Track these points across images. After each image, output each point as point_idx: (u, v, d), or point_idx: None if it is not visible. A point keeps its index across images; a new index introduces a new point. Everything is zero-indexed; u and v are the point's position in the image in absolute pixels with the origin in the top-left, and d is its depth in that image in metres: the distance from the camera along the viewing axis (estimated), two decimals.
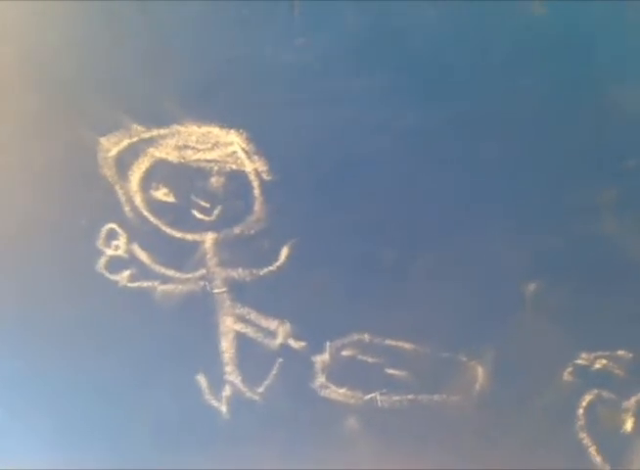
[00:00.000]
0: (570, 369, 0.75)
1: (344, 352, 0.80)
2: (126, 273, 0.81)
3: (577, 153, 0.68)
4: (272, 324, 0.81)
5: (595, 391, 0.75)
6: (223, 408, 0.84)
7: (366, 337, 0.79)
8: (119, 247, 0.81)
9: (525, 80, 0.65)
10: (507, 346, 0.76)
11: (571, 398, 0.76)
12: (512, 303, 0.75)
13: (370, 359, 0.79)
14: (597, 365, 0.75)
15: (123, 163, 0.77)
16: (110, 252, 0.81)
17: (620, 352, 0.74)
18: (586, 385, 0.75)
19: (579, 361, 0.75)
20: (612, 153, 0.67)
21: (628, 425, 0.76)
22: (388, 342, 0.79)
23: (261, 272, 0.79)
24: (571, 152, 0.68)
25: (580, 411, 0.76)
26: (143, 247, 0.81)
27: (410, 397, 0.79)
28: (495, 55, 0.65)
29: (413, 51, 0.65)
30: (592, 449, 0.76)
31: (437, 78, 0.66)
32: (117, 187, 0.78)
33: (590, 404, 0.76)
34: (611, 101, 0.66)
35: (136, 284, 0.82)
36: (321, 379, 0.81)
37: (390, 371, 0.79)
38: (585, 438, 0.76)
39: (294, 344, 0.81)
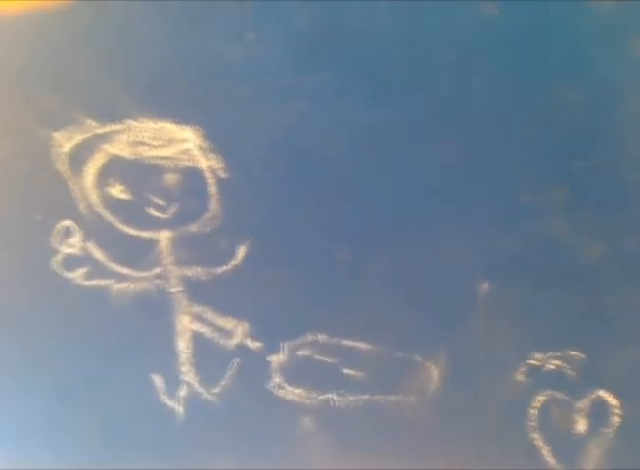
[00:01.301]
0: (522, 370, 0.76)
1: (300, 353, 0.80)
2: (81, 271, 0.80)
3: (528, 153, 0.68)
4: (229, 324, 0.80)
5: (548, 391, 0.76)
6: (179, 409, 0.84)
7: (322, 337, 0.79)
8: (74, 244, 0.80)
9: (476, 81, 0.66)
10: (461, 346, 0.77)
11: (525, 398, 0.76)
12: (466, 303, 0.75)
13: (326, 359, 0.79)
14: (550, 366, 0.75)
15: (77, 159, 0.76)
16: (65, 249, 0.80)
17: (573, 353, 0.75)
18: (539, 385, 0.76)
19: (532, 362, 0.75)
20: (561, 154, 0.68)
21: (581, 426, 0.76)
22: (345, 342, 0.79)
23: (218, 271, 0.79)
24: (522, 152, 0.69)
25: (533, 412, 0.76)
26: (98, 245, 0.80)
27: (366, 397, 0.79)
28: (447, 55, 0.65)
29: (364, 50, 0.66)
30: (545, 450, 0.77)
31: (389, 77, 0.67)
32: (72, 183, 0.77)
33: (543, 405, 0.76)
34: (561, 102, 0.67)
35: (91, 282, 0.81)
36: (277, 379, 0.81)
37: (346, 371, 0.79)
38: (538, 438, 0.77)
39: (250, 344, 0.81)
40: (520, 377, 0.76)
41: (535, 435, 0.77)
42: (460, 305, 0.75)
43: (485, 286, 0.74)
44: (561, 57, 0.66)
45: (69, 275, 0.81)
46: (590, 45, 0.65)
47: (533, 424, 0.76)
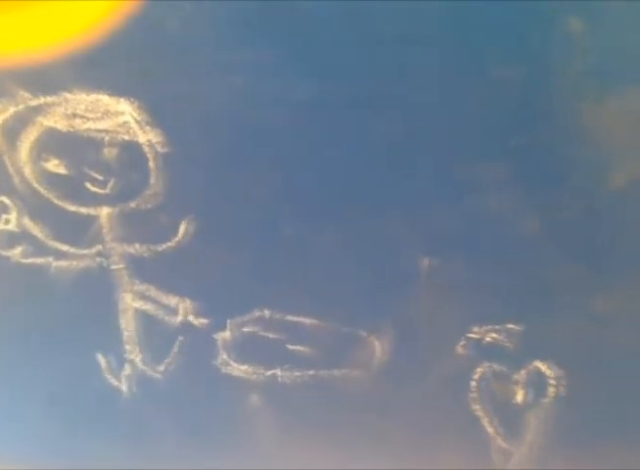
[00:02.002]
0: (462, 343, 0.77)
1: (246, 329, 0.80)
2: (19, 249, 0.78)
3: (465, 130, 0.69)
4: (172, 301, 0.80)
5: (487, 364, 0.78)
6: (123, 388, 0.83)
7: (267, 313, 0.79)
8: (10, 221, 0.77)
9: (414, 57, 0.66)
10: (404, 320, 0.78)
11: (465, 370, 0.78)
12: (408, 278, 0.76)
13: (271, 335, 0.79)
14: (488, 339, 0.77)
15: (11, 132, 0.73)
16: (0, 226, 0.78)
17: (510, 326, 0.76)
18: (478, 358, 0.78)
19: (471, 335, 0.77)
20: (498, 130, 0.69)
21: (519, 396, 0.79)
22: (289, 318, 0.79)
23: (160, 248, 0.77)
24: (460, 129, 0.69)
25: (473, 384, 0.78)
26: (35, 221, 0.78)
27: (311, 372, 0.80)
28: (386, 30, 0.65)
29: (303, 23, 0.65)
30: (485, 420, 0.79)
31: (327, 51, 0.66)
32: (5, 157, 0.74)
33: (482, 377, 0.78)
34: (497, 79, 0.67)
35: (30, 260, 0.79)
36: (223, 356, 0.81)
37: (292, 347, 0.79)
38: (478, 409, 0.79)
39: (194, 321, 0.80)
40: (460, 350, 0.78)
41: (476, 406, 0.78)
42: (403, 280, 0.76)
43: (426, 261, 0.75)
44: (497, 34, 0.67)
45: (6, 253, 0.79)
46: (524, 22, 0.65)
47: (474, 395, 0.78)
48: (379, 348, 0.79)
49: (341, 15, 0.65)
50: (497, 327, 0.76)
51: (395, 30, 0.64)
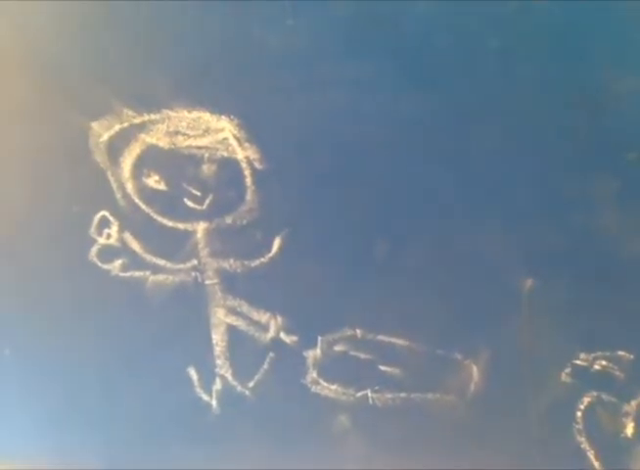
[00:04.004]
0: (568, 370, 0.73)
1: (336, 348, 0.78)
2: (118, 262, 0.81)
3: (576, 143, 0.65)
4: (264, 317, 0.79)
5: (594, 393, 0.73)
6: (213, 403, 0.83)
7: (358, 332, 0.77)
8: (111, 235, 0.80)
9: (521, 68, 0.63)
10: (503, 344, 0.74)
11: (570, 400, 0.73)
12: (508, 299, 0.73)
13: (362, 355, 0.78)
14: (596, 366, 0.72)
15: (115, 148, 0.76)
16: (102, 240, 0.80)
17: (621, 353, 0.71)
18: (585, 387, 0.73)
19: (578, 362, 0.73)
20: (612, 144, 0.65)
21: (629, 429, 0.73)
22: (381, 337, 0.77)
23: (253, 264, 0.78)
24: (570, 142, 0.66)
25: (579, 414, 0.73)
26: (135, 236, 0.80)
27: (403, 395, 0.77)
28: (491, 41, 0.63)
29: (406, 35, 0.64)
30: (591, 454, 0.74)
31: (432, 64, 0.64)
32: (109, 173, 0.77)
33: (589, 407, 0.73)
34: (612, 91, 0.63)
35: (128, 274, 0.81)
36: (312, 375, 0.80)
37: (383, 368, 0.77)
38: (584, 442, 0.74)
39: (285, 338, 0.79)
40: (565, 378, 0.73)
41: (581, 438, 0.74)
42: (502, 301, 0.73)
43: (529, 282, 0.71)
44: (609, 45, 0.63)
45: (107, 266, 0.81)
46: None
47: (579, 427, 0.73)
48: (476, 372, 0.75)
49: (444, 26, 0.63)
50: (607, 354, 0.72)
51: (501, 42, 0.62)
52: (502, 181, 0.69)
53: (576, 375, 0.73)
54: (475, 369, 0.75)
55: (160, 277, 0.80)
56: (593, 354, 0.72)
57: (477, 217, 0.71)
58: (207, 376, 0.82)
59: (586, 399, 0.73)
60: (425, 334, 0.76)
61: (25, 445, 0.88)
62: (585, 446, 0.74)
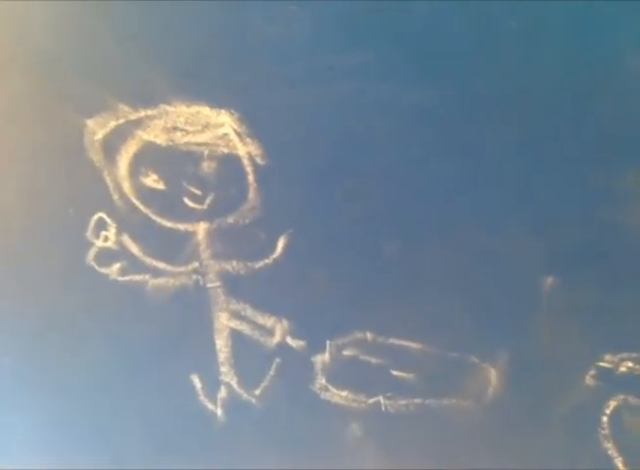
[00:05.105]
0: (592, 372, 0.69)
1: (346, 352, 0.75)
2: (116, 266, 0.78)
3: (599, 135, 0.62)
4: (269, 321, 0.76)
5: (621, 396, 0.69)
6: (218, 411, 0.80)
7: (369, 335, 0.74)
8: (109, 238, 0.77)
9: (541, 55, 0.60)
10: (523, 347, 0.70)
11: (595, 404, 0.70)
12: (528, 299, 0.69)
13: (373, 360, 0.74)
14: (622, 368, 0.69)
15: (111, 146, 0.73)
16: (99, 243, 0.77)
17: None
18: (611, 390, 0.69)
19: (603, 364, 0.69)
20: (637, 135, 0.61)
21: None
22: (393, 341, 0.74)
23: (257, 265, 0.74)
24: (594, 134, 0.62)
25: (605, 419, 0.70)
26: (133, 238, 0.77)
27: (417, 401, 0.74)
28: (506, 28, 0.59)
29: (413, 22, 0.60)
30: (619, 461, 0.70)
31: (440, 53, 0.61)
32: (105, 173, 0.74)
33: (616, 411, 0.70)
34: (636, 79, 0.60)
35: (127, 278, 0.78)
36: (321, 381, 0.76)
37: (396, 373, 0.74)
38: (611, 448, 0.70)
39: (292, 343, 0.76)
40: (589, 381, 0.70)
41: (607, 444, 0.70)
42: (521, 300, 0.70)
43: (550, 280, 0.68)
44: (632, 36, 0.59)
45: (105, 270, 0.78)
46: None
47: (605, 432, 0.70)
48: (494, 376, 0.72)
49: (454, 9, 0.60)
50: (633, 355, 0.68)
51: (520, 26, 0.58)
52: (520, 176, 0.65)
53: (601, 378, 0.69)
54: (493, 373, 0.71)
55: (161, 281, 0.77)
56: (619, 356, 0.69)
57: (493, 213, 0.68)
58: (212, 384, 0.79)
59: (612, 403, 0.70)
60: (439, 336, 0.72)
61: (26, 453, 0.85)
62: (612, 452, 0.70)
